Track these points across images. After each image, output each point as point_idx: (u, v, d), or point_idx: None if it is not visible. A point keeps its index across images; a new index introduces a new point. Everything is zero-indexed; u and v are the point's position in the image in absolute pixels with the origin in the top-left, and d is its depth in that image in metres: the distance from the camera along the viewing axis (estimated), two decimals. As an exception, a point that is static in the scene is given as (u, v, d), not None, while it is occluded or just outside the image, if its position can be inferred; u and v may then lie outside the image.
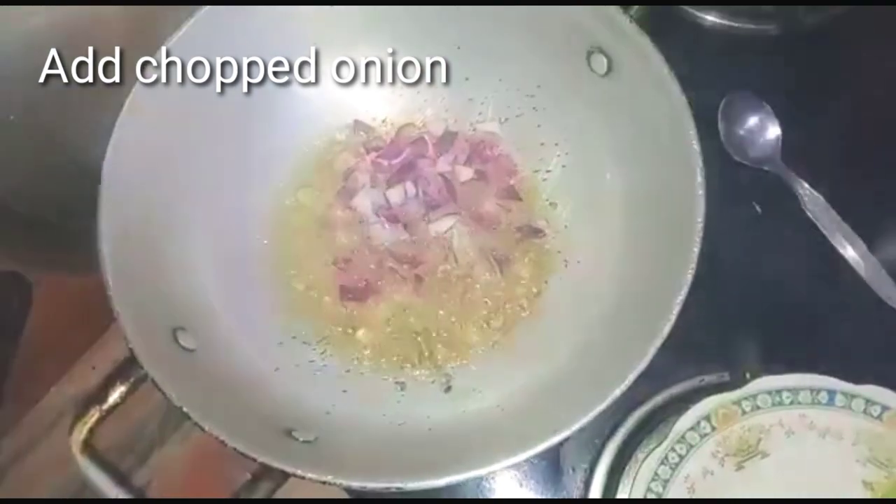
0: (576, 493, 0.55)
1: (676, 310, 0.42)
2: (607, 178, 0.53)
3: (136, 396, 0.54)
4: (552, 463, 0.56)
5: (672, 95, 0.45)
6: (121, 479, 0.46)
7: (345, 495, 0.55)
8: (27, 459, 0.59)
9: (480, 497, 0.56)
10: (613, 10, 0.46)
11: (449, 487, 0.54)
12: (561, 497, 0.55)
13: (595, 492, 0.54)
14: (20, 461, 0.59)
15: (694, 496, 0.50)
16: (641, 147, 0.50)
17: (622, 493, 0.51)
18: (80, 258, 0.46)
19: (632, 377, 0.41)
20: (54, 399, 0.60)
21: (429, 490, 0.54)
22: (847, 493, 0.50)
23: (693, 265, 0.42)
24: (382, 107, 0.57)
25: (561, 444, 0.54)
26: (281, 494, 0.45)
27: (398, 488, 0.40)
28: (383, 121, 0.57)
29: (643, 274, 0.48)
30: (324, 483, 0.40)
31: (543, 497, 0.55)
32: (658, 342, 0.41)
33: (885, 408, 0.50)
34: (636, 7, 0.48)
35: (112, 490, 0.45)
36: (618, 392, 0.41)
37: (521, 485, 0.56)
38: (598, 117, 0.52)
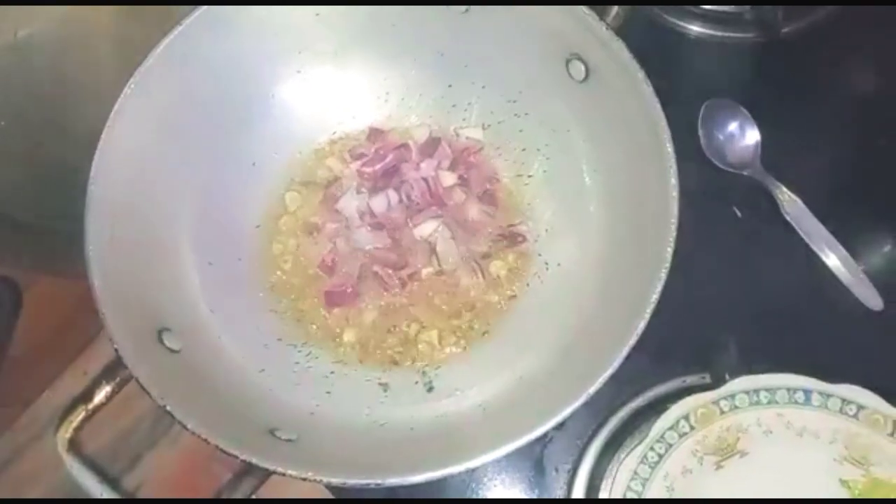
0: (559, 494, 0.55)
1: (651, 308, 0.43)
2: (586, 181, 0.54)
3: (125, 401, 0.55)
4: (536, 464, 0.56)
5: (646, 99, 0.46)
6: (106, 477, 0.47)
7: (331, 496, 0.56)
8: (17, 464, 0.59)
9: (466, 498, 0.56)
10: (590, 18, 0.47)
11: (434, 487, 0.55)
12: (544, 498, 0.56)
13: (578, 492, 0.54)
14: (10, 465, 0.59)
15: (673, 495, 0.50)
16: (619, 151, 0.51)
17: (604, 493, 0.52)
18: (70, 262, 0.47)
19: (608, 373, 0.42)
20: (45, 404, 0.60)
21: (413, 489, 0.55)
22: (824, 491, 0.50)
23: (667, 264, 0.43)
24: (367, 113, 0.58)
25: (544, 444, 0.55)
26: (264, 491, 0.45)
27: (377, 484, 0.41)
28: (368, 128, 0.58)
29: (620, 274, 0.49)
30: (304, 480, 0.41)
31: (528, 498, 0.56)
32: (633, 339, 0.42)
33: (860, 407, 0.50)
34: (613, 14, 0.49)
35: (97, 489, 0.46)
36: (593, 389, 0.42)
37: (504, 485, 0.56)
38: (578, 122, 0.54)
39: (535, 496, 0.56)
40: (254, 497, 0.52)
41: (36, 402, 0.61)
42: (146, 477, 0.59)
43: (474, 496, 0.56)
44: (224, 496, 0.43)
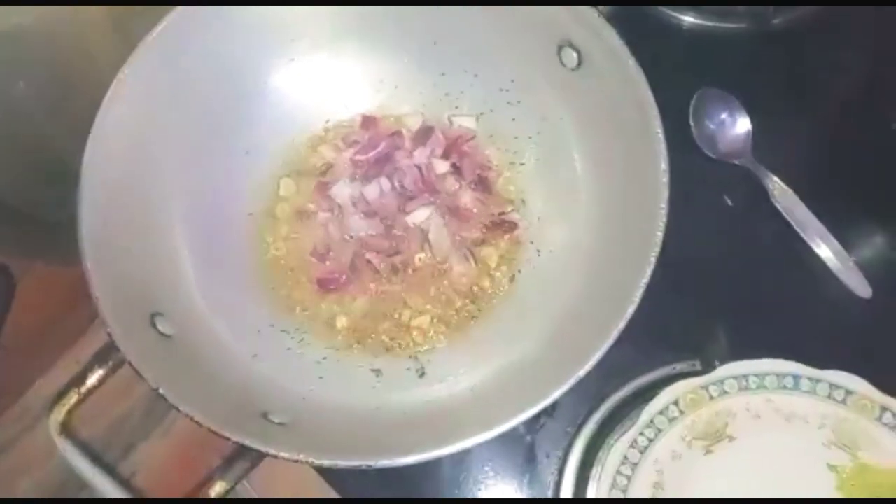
0: (550, 480, 0.56)
1: (640, 293, 0.43)
2: (578, 169, 0.54)
3: (117, 392, 0.55)
4: (527, 451, 0.57)
5: (637, 86, 0.46)
6: (99, 462, 0.47)
7: (334, 494, 0.56)
8: (8, 454, 0.59)
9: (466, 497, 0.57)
10: (582, 6, 0.48)
11: (426, 469, 0.55)
12: (534, 487, 0.56)
13: (568, 478, 0.55)
14: (3, 455, 0.59)
15: (663, 479, 0.50)
16: (610, 138, 0.51)
17: (594, 479, 0.52)
18: (64, 250, 0.47)
19: (597, 357, 0.42)
20: (37, 394, 0.60)
21: (407, 480, 0.55)
22: (813, 476, 0.51)
23: (657, 249, 0.44)
24: (361, 101, 0.58)
25: (536, 431, 0.56)
26: (258, 477, 0.46)
27: (368, 466, 0.41)
28: (362, 116, 0.59)
29: (611, 260, 0.49)
30: (296, 462, 0.41)
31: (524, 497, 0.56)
32: (623, 323, 0.42)
33: (848, 392, 0.51)
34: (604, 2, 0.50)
35: (90, 472, 0.46)
36: (582, 372, 0.42)
37: (496, 471, 0.56)
38: (570, 110, 0.54)
39: (526, 482, 0.56)
40: (257, 497, 0.53)
41: (28, 392, 0.61)
42: (139, 466, 0.59)
43: (466, 481, 0.56)
44: (216, 479, 0.44)
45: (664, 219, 0.44)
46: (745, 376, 0.51)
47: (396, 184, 0.56)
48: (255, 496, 0.56)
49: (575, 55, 0.51)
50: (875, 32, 0.66)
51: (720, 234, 0.61)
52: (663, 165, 0.45)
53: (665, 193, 0.44)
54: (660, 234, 0.44)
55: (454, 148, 0.57)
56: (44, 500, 0.58)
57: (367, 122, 0.58)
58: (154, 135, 0.51)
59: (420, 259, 0.55)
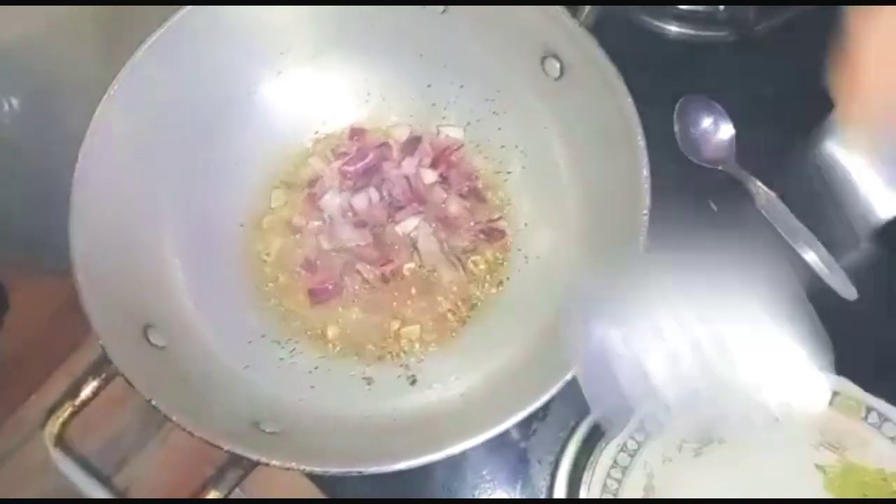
0: (542, 485, 0.56)
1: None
2: (563, 176, 0.55)
3: (111, 408, 0.55)
4: (520, 456, 0.57)
5: (618, 93, 0.47)
6: (91, 470, 0.47)
7: (323, 496, 0.56)
8: (6, 467, 0.59)
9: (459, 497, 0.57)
10: (563, 16, 0.49)
11: (419, 476, 0.56)
12: (527, 492, 0.57)
13: (560, 482, 0.55)
14: (-3, 470, 0.59)
15: (653, 482, 0.51)
16: (594, 145, 0.52)
17: (585, 483, 0.52)
18: (57, 264, 0.48)
19: (583, 360, 0.43)
20: (32, 407, 0.60)
21: (401, 484, 0.56)
22: (801, 476, 0.51)
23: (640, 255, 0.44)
24: (349, 113, 0.59)
25: (528, 436, 0.56)
26: (250, 484, 0.46)
27: (358, 472, 0.42)
28: (350, 127, 0.59)
29: (596, 265, 0.50)
30: (287, 469, 0.42)
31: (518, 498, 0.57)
32: (607, 328, 0.43)
33: (835, 393, 0.51)
34: (585, 13, 0.50)
35: (85, 482, 0.46)
36: (569, 376, 0.42)
37: (490, 476, 0.57)
38: (554, 119, 0.55)
39: (518, 486, 0.56)
40: (246, 497, 0.53)
41: (22, 405, 0.61)
42: (134, 477, 0.59)
43: (460, 488, 0.57)
44: (209, 488, 0.44)
45: (646, 224, 0.45)
46: (732, 378, 0.52)
47: (385, 194, 0.57)
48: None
49: (558, 65, 0.51)
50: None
51: (706, 239, 0.61)
52: (645, 172, 0.45)
53: (647, 200, 0.45)
54: (642, 240, 0.44)
55: (442, 158, 0.58)
56: (45, 499, 0.58)
57: (356, 133, 0.59)
58: (144, 148, 0.52)
59: (409, 268, 0.56)
